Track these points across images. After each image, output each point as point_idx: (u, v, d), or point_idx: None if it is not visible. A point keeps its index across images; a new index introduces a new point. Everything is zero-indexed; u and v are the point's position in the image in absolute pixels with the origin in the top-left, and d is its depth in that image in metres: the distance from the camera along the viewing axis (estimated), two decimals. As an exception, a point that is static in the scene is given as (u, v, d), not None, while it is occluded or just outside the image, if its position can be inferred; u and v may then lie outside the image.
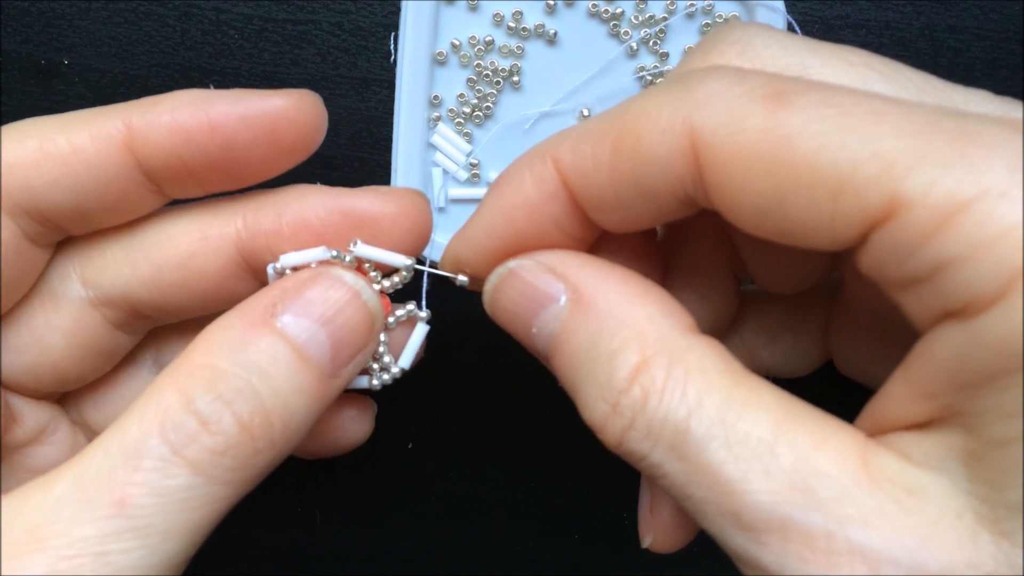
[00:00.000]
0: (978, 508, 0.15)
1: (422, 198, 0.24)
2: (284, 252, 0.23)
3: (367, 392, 0.24)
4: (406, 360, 0.24)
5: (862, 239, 0.16)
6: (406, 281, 0.23)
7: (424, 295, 0.24)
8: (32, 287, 0.24)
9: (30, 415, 0.24)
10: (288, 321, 0.20)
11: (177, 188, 0.23)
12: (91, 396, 0.26)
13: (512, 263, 0.21)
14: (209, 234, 0.23)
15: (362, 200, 0.23)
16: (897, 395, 0.17)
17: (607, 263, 0.20)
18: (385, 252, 0.23)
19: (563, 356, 0.19)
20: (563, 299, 0.19)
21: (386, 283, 0.23)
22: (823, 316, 0.25)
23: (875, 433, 0.17)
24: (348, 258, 0.22)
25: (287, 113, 0.22)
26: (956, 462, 0.16)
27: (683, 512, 0.24)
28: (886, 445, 0.17)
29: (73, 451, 0.25)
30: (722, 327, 0.25)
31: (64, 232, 0.23)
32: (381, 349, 0.23)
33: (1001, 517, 0.15)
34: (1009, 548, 0.15)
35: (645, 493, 0.25)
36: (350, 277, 0.22)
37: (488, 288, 0.21)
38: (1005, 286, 0.14)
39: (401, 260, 0.23)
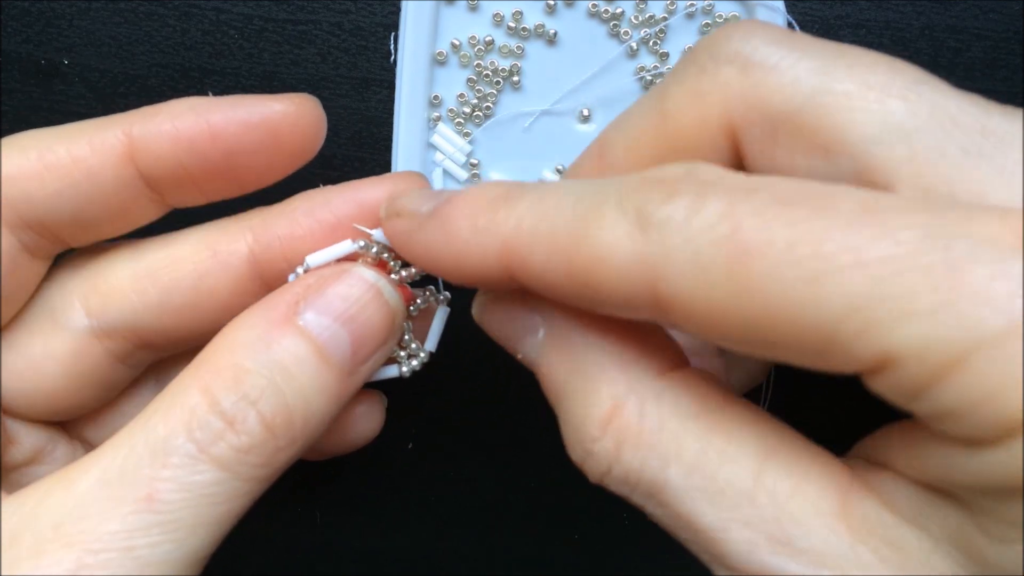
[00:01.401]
0: (957, 573, 0.15)
1: (422, 179, 0.24)
2: (301, 257, 0.23)
3: (396, 380, 0.24)
4: (432, 343, 0.25)
5: (862, 377, 0.15)
6: (418, 276, 0.23)
7: (441, 279, 0.24)
8: (33, 312, 0.23)
9: (27, 437, 0.24)
10: (310, 319, 0.20)
11: (179, 196, 0.23)
12: (92, 422, 0.26)
13: (483, 296, 0.21)
14: (219, 251, 0.23)
15: (371, 190, 0.23)
16: (896, 452, 0.16)
17: None
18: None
19: (546, 387, 0.20)
20: (541, 333, 0.19)
21: (404, 273, 0.23)
22: None
23: (871, 463, 0.17)
24: (375, 249, 0.22)
25: (288, 118, 0.22)
26: (943, 529, 0.15)
27: None
28: (871, 488, 0.16)
29: None
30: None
31: (64, 244, 0.23)
32: (407, 337, 0.24)
33: None
34: None
35: None
36: (371, 275, 0.22)
37: (474, 314, 0.21)
38: (1007, 431, 0.13)
39: None
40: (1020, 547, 0.14)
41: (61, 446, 0.25)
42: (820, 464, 0.17)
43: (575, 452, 0.19)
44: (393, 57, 0.30)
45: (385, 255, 0.23)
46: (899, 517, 0.16)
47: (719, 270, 0.15)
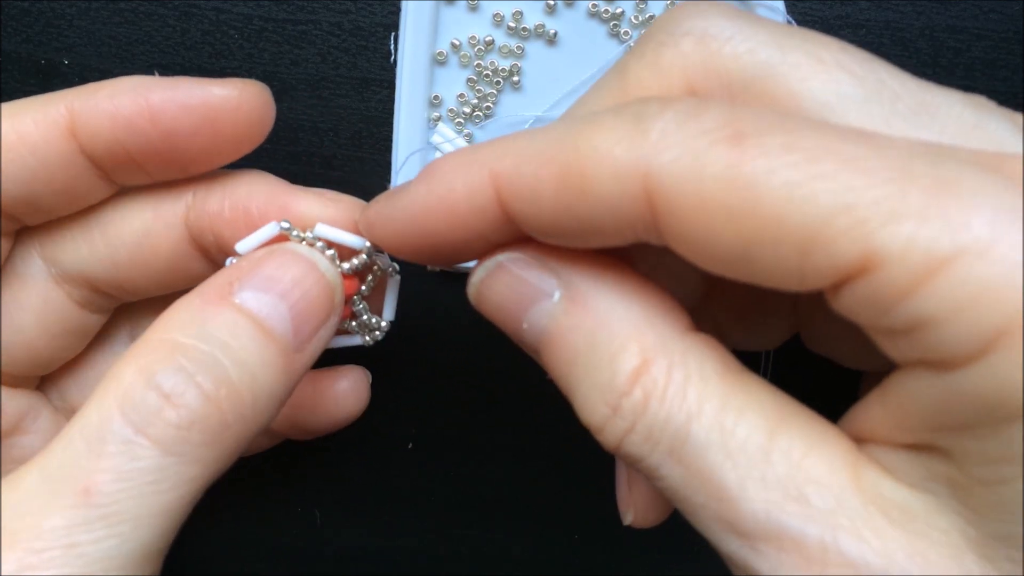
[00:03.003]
0: (963, 528, 0.15)
1: (360, 204, 0.24)
2: (224, 236, 0.23)
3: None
4: (389, 313, 0.25)
5: (834, 289, 0.15)
6: (365, 263, 0.23)
7: (388, 255, 0.24)
8: None
9: (8, 403, 0.24)
10: (247, 297, 0.20)
11: (123, 175, 0.23)
12: (71, 377, 0.26)
13: (501, 256, 0.20)
14: (161, 212, 0.24)
15: (303, 202, 0.23)
16: (877, 418, 0.17)
17: (599, 256, 0.19)
18: (345, 233, 0.23)
19: (556, 353, 0.19)
20: (556, 295, 0.19)
21: (346, 266, 0.23)
22: (791, 294, 0.25)
23: (859, 441, 0.17)
24: (296, 232, 0.22)
25: (229, 103, 0.22)
26: (940, 485, 0.16)
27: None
28: (873, 459, 0.17)
29: None
30: (690, 305, 0.24)
31: (19, 222, 0.23)
32: (365, 316, 0.24)
33: (985, 542, 0.15)
34: (992, 570, 0.15)
35: (622, 470, 0.25)
36: (305, 250, 0.22)
37: (475, 281, 0.20)
38: (985, 345, 0.13)
39: (359, 241, 0.23)
40: (1013, 484, 0.14)
41: (45, 415, 0.25)
42: (830, 433, 0.17)
43: (597, 412, 0.18)
44: (393, 57, 0.30)
45: (318, 244, 0.22)
46: (901, 483, 0.16)
47: (714, 167, 0.15)
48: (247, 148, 0.23)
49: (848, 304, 0.15)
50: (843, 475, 0.16)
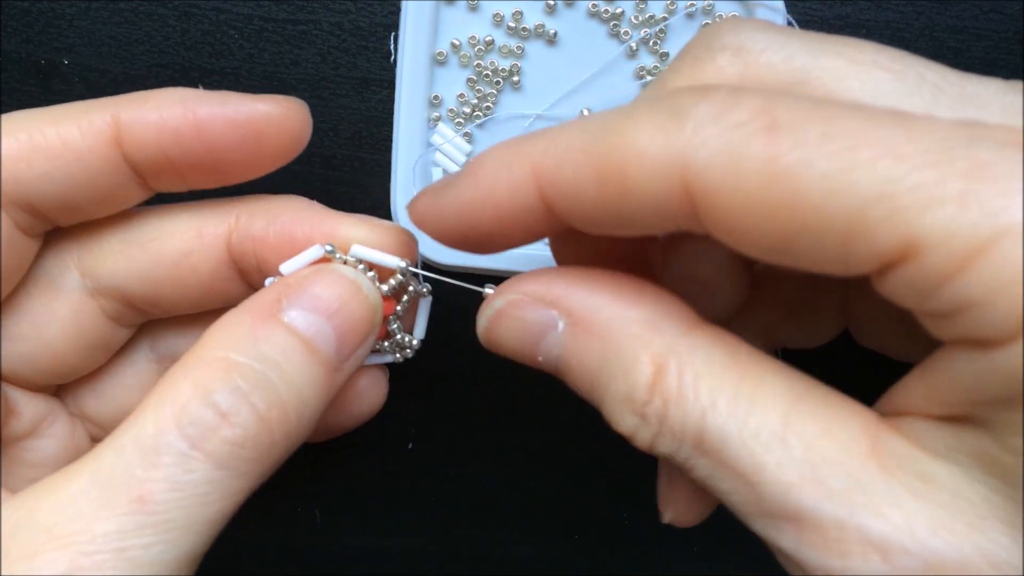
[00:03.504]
0: (990, 498, 0.15)
1: (408, 235, 0.24)
2: (267, 259, 0.24)
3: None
4: (420, 331, 0.26)
5: (879, 274, 0.15)
6: (401, 284, 0.24)
7: (421, 277, 0.25)
8: (32, 277, 0.24)
9: (27, 407, 0.24)
10: (295, 316, 0.21)
11: (162, 182, 0.24)
12: (89, 387, 0.26)
13: (497, 302, 0.20)
14: (204, 232, 0.24)
15: (347, 228, 0.24)
16: (916, 392, 0.17)
17: (593, 273, 0.20)
18: (382, 254, 0.23)
19: (576, 376, 0.19)
20: (560, 325, 0.19)
21: (384, 288, 0.24)
22: (839, 289, 0.25)
23: (891, 414, 0.17)
24: (339, 255, 0.23)
25: (273, 119, 0.23)
26: (969, 456, 0.16)
27: (699, 489, 0.25)
28: (897, 429, 0.17)
29: (72, 443, 0.26)
30: (734, 308, 0.24)
31: (53, 223, 0.24)
32: (399, 336, 0.25)
33: (1014, 512, 0.15)
34: (1020, 537, 0.15)
35: (664, 470, 0.25)
36: (350, 271, 0.22)
37: (481, 330, 0.21)
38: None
39: (396, 261, 0.23)
40: None
41: (61, 420, 0.25)
42: (847, 408, 0.17)
43: (626, 422, 0.19)
44: (393, 57, 0.30)
45: (360, 267, 0.23)
46: (927, 452, 0.16)
47: (753, 160, 0.15)
48: (284, 161, 0.24)
49: (892, 288, 0.15)
50: (861, 452, 0.16)
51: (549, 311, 0.19)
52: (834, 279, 0.25)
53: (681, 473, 0.24)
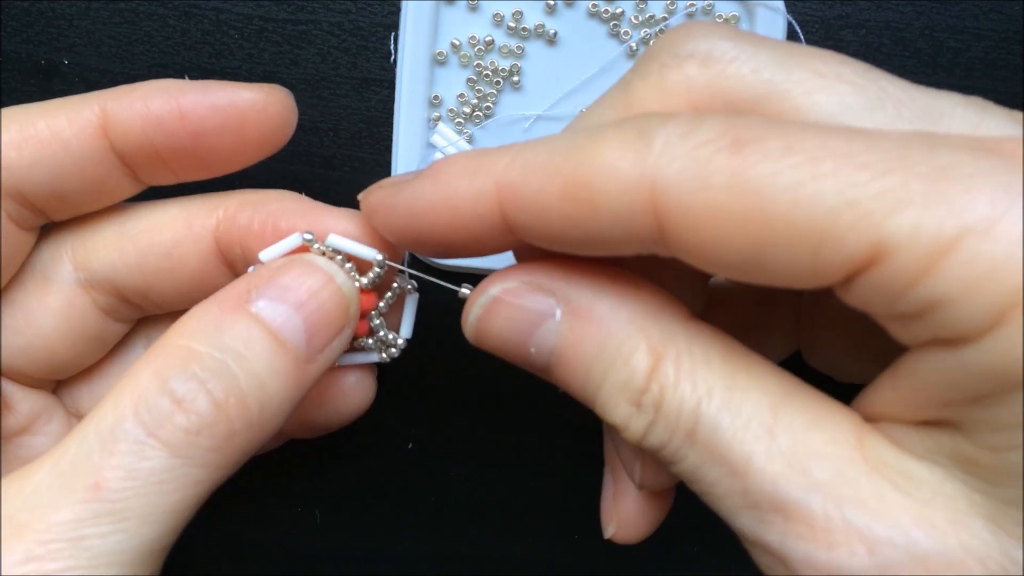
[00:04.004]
0: (971, 496, 0.16)
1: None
2: (252, 249, 0.23)
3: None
4: (406, 330, 0.25)
5: (846, 282, 0.15)
6: (381, 276, 0.23)
7: (406, 271, 0.25)
8: (26, 270, 0.24)
9: (23, 402, 0.25)
10: (263, 306, 0.21)
11: (150, 174, 0.24)
12: (86, 385, 0.27)
13: (494, 289, 0.20)
14: (193, 224, 0.24)
15: (333, 221, 0.24)
16: (887, 399, 0.17)
17: (591, 264, 0.20)
18: (358, 245, 0.23)
19: (569, 366, 0.19)
20: (558, 313, 0.19)
21: (363, 280, 0.23)
22: (793, 308, 0.25)
23: (867, 420, 0.18)
24: (317, 245, 0.23)
25: (256, 106, 0.23)
26: (948, 458, 0.16)
27: (644, 503, 0.25)
28: (880, 431, 0.17)
29: None
30: None
31: (46, 216, 0.24)
32: (382, 332, 0.24)
33: (995, 509, 0.15)
34: (1004, 536, 0.15)
35: (609, 483, 0.25)
36: (323, 262, 0.22)
37: (471, 320, 0.21)
38: (994, 319, 0.14)
39: (372, 254, 0.23)
40: (1017, 450, 0.15)
41: (57, 417, 0.25)
42: (834, 406, 0.18)
43: (619, 412, 0.19)
44: (393, 57, 0.30)
45: (338, 257, 0.23)
46: (908, 453, 0.16)
47: (719, 176, 0.15)
48: (270, 150, 0.24)
49: (860, 294, 0.15)
50: (847, 446, 0.17)
51: (548, 298, 0.19)
52: (788, 298, 0.25)
53: (627, 486, 0.25)
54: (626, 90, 0.20)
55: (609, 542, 0.26)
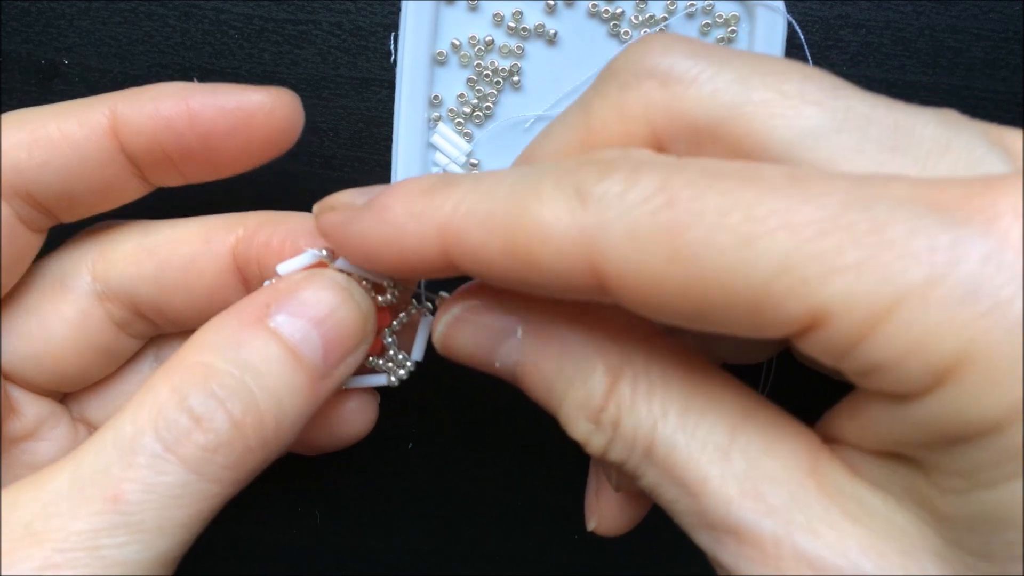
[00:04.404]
0: (921, 528, 0.16)
1: None
2: (269, 266, 0.24)
3: (383, 389, 0.25)
4: (418, 353, 0.25)
5: (792, 339, 0.15)
6: (398, 298, 0.23)
7: (423, 291, 0.25)
8: (44, 276, 0.25)
9: (29, 407, 0.25)
10: (281, 321, 0.21)
11: (159, 175, 0.24)
12: (94, 396, 0.27)
13: (456, 308, 0.21)
14: (212, 240, 0.24)
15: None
16: (847, 428, 0.17)
17: None
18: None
19: (532, 383, 0.20)
20: (519, 331, 0.20)
21: (380, 299, 0.23)
22: None
23: (829, 441, 0.18)
24: (337, 262, 0.23)
25: (264, 108, 0.23)
26: (902, 490, 0.16)
27: (625, 501, 0.26)
28: (839, 458, 0.17)
29: (74, 448, 0.25)
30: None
31: (55, 217, 0.24)
32: (392, 351, 0.25)
33: (943, 544, 0.15)
34: (948, 570, 0.15)
35: (592, 479, 0.26)
36: (342, 279, 0.22)
37: (438, 335, 0.21)
38: (935, 380, 0.14)
39: (382, 275, 0.23)
40: (971, 495, 0.15)
41: (63, 424, 0.25)
42: (792, 429, 0.18)
43: (579, 429, 0.19)
44: (393, 57, 0.30)
45: (353, 271, 0.23)
46: (863, 481, 0.17)
47: (655, 239, 0.15)
48: (277, 152, 0.24)
49: (809, 348, 0.15)
50: (801, 472, 0.17)
51: (508, 317, 0.20)
52: None
53: (607, 485, 0.25)
54: (586, 111, 0.20)
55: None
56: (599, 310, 0.19)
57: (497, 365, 0.20)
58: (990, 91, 0.30)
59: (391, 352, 0.25)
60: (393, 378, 0.25)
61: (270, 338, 0.20)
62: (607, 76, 0.20)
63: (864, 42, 0.30)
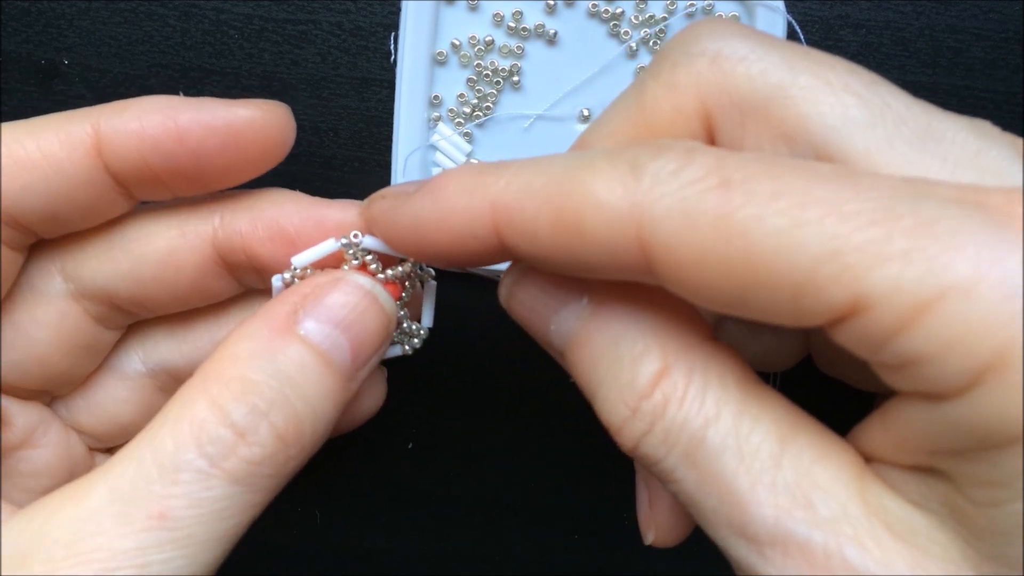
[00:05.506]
0: (962, 547, 0.16)
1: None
2: (258, 255, 0.23)
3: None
4: (427, 319, 0.26)
5: (830, 325, 0.15)
6: (407, 271, 0.24)
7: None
8: (19, 289, 0.24)
9: (19, 416, 0.24)
10: (311, 327, 0.21)
11: (145, 192, 0.23)
12: (83, 399, 0.26)
13: (526, 264, 0.20)
14: (187, 231, 0.24)
15: (336, 212, 0.23)
16: (879, 440, 0.17)
17: None
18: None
19: (581, 355, 0.19)
20: (584, 300, 0.19)
21: (389, 272, 0.23)
22: None
23: (865, 459, 0.18)
24: (354, 251, 0.23)
25: (254, 124, 0.23)
26: (941, 506, 0.16)
27: (680, 507, 0.25)
28: (879, 475, 0.17)
29: (67, 453, 0.25)
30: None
31: (36, 235, 0.23)
32: (405, 323, 0.25)
33: (981, 560, 0.15)
34: None
35: (643, 490, 0.25)
36: (366, 281, 0.22)
37: (506, 284, 0.21)
38: (974, 378, 0.14)
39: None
40: (1008, 506, 0.14)
41: (54, 430, 0.25)
42: (838, 444, 0.18)
43: (617, 412, 0.19)
44: (393, 57, 0.30)
45: (368, 257, 0.23)
46: (904, 499, 0.16)
47: (706, 216, 0.15)
48: (269, 166, 0.24)
49: (845, 338, 0.15)
50: (849, 486, 0.17)
51: (575, 283, 0.20)
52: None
53: (661, 490, 0.24)
54: (639, 91, 0.20)
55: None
56: (663, 300, 0.19)
57: (552, 329, 0.20)
58: (990, 91, 0.30)
59: (404, 324, 0.25)
60: (408, 347, 0.25)
61: (302, 346, 0.21)
62: (659, 58, 0.20)
63: (864, 42, 0.30)
